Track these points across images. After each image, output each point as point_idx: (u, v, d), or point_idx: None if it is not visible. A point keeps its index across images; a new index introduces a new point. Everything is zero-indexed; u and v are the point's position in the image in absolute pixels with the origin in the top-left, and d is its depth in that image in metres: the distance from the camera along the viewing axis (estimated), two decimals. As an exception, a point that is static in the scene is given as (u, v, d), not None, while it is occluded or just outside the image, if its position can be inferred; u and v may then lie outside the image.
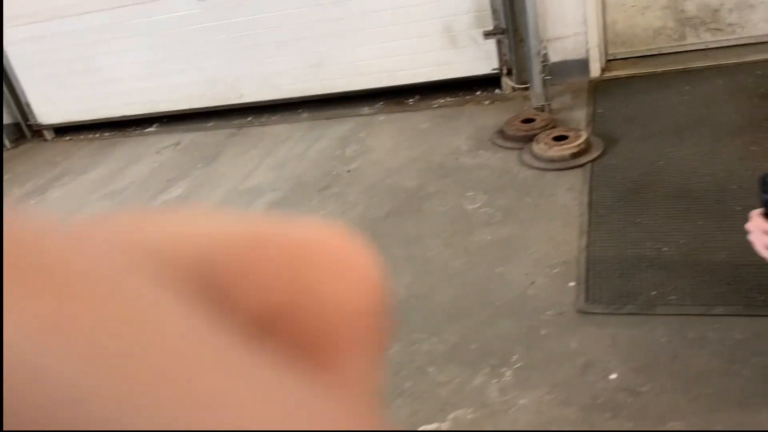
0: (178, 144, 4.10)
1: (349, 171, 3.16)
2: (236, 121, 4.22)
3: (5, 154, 4.65)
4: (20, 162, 4.44)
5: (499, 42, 3.53)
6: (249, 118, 4.22)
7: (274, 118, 4.15)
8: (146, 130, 4.50)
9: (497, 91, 3.68)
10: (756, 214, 1.30)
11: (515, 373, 1.73)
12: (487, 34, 3.51)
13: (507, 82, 3.59)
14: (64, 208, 3.46)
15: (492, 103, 3.60)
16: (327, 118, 3.94)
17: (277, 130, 3.96)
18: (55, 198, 3.64)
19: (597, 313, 1.87)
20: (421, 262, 2.30)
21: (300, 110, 4.13)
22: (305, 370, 0.12)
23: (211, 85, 4.18)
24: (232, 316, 0.12)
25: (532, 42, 3.11)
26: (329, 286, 0.13)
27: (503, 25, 3.45)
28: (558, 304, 1.93)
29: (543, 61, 3.14)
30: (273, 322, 0.13)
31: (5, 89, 4.64)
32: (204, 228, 0.13)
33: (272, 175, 3.30)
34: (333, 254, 0.14)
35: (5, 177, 4.20)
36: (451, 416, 1.63)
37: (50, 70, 4.51)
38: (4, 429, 0.09)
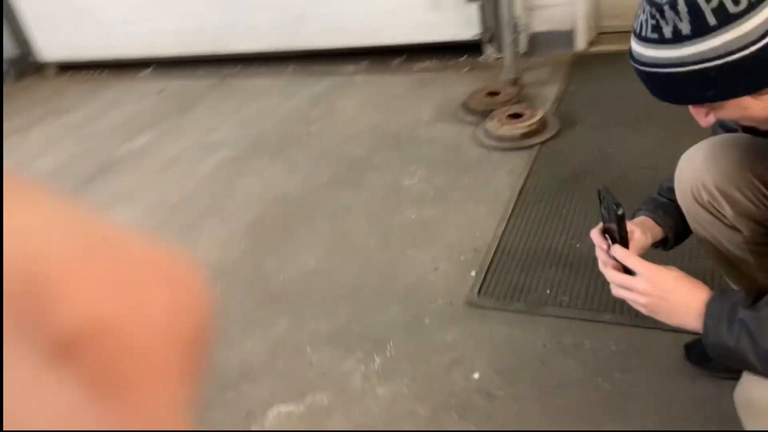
0: (162, 90, 4.10)
1: (308, 133, 3.11)
2: (224, 71, 4.19)
3: (6, 89, 4.75)
4: (17, 97, 4.53)
5: (482, 7, 3.37)
6: (237, 69, 4.19)
7: (261, 70, 4.10)
8: (140, 74, 4.52)
9: (480, 58, 3.54)
10: (595, 229, 1.23)
11: (384, 361, 1.70)
12: (470, -1, 3.36)
13: (488, 50, 3.44)
14: (33, 150, 3.53)
15: (471, 71, 3.47)
16: (309, 75, 3.87)
17: (258, 83, 3.92)
18: (33, 137, 3.72)
19: (485, 307, 1.81)
20: (339, 237, 2.27)
21: (287, 64, 4.07)
22: (105, 395, 0.12)
23: (199, 33, 4.14)
24: (44, 330, 0.12)
25: (505, 9, 2.95)
26: (152, 311, 0.13)
27: (483, -10, 3.28)
28: (451, 294, 1.89)
29: (515, 31, 2.99)
30: (85, 340, 0.12)
31: (7, 23, 4.71)
32: (37, 227, 0.13)
33: (235, 132, 3.28)
34: (164, 280, 0.14)
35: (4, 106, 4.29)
36: (308, 399, 1.63)
37: (51, 7, 4.54)
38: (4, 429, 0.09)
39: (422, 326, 1.79)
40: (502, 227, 2.13)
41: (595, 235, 1.20)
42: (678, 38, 0.89)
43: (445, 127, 2.89)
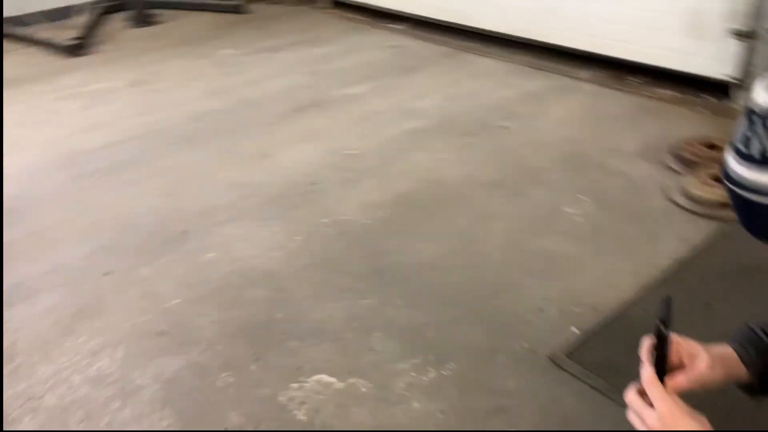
0: (400, 47, 4.26)
1: (501, 128, 3.02)
2: (461, 43, 4.22)
3: (281, 10, 5.30)
4: (286, 20, 5.05)
5: (750, 48, 2.91)
6: (472, 43, 4.18)
7: (494, 51, 4.05)
8: (392, 26, 4.73)
9: (723, 102, 3.08)
10: (648, 338, 1.03)
11: (437, 378, 1.65)
12: (738, 35, 2.91)
13: (736, 96, 2.98)
14: (273, 71, 3.93)
15: (706, 113, 3.04)
16: (538, 69, 3.73)
17: (486, 63, 3.88)
18: (279, 59, 4.13)
19: (564, 369, 1.65)
20: (469, 239, 2.21)
21: (520, 52, 3.95)
22: None
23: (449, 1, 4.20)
24: None
25: (762, 53, 2.51)
26: None
27: (755, 29, 2.81)
28: (540, 342, 1.74)
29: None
30: None
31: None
32: None
33: (436, 105, 3.30)
34: None
35: (273, 26, 4.83)
36: (350, 380, 1.66)
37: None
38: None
39: (492, 361, 1.70)
40: (637, 296, 1.89)
41: (645, 344, 1.02)
42: (765, 160, 0.70)
43: (641, 166, 2.61)
